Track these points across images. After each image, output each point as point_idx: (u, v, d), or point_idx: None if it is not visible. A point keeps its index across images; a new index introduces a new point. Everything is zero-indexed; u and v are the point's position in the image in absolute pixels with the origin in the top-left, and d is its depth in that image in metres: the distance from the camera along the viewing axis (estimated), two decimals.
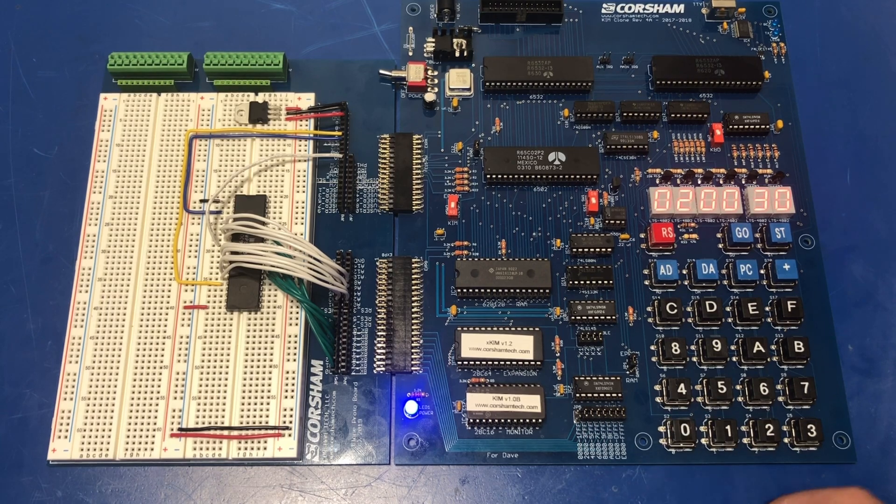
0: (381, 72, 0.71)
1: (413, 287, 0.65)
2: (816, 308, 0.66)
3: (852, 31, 0.77)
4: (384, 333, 0.64)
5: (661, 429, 0.62)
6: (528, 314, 0.65)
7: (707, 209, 0.67)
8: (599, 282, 0.65)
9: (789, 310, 0.64)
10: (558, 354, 0.64)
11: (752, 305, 0.64)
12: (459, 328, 0.63)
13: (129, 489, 0.61)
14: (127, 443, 0.60)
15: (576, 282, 0.65)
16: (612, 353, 0.64)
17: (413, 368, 0.63)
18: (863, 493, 0.57)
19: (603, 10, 0.76)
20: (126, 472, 0.61)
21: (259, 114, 0.68)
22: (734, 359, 0.64)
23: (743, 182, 0.69)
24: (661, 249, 0.67)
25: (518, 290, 0.64)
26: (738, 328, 0.65)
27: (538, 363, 0.63)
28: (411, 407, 0.62)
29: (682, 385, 0.62)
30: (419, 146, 0.69)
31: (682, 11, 0.76)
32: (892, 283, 0.68)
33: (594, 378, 0.62)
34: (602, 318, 0.64)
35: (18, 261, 0.67)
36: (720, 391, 0.62)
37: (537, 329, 0.63)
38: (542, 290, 0.64)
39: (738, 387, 0.63)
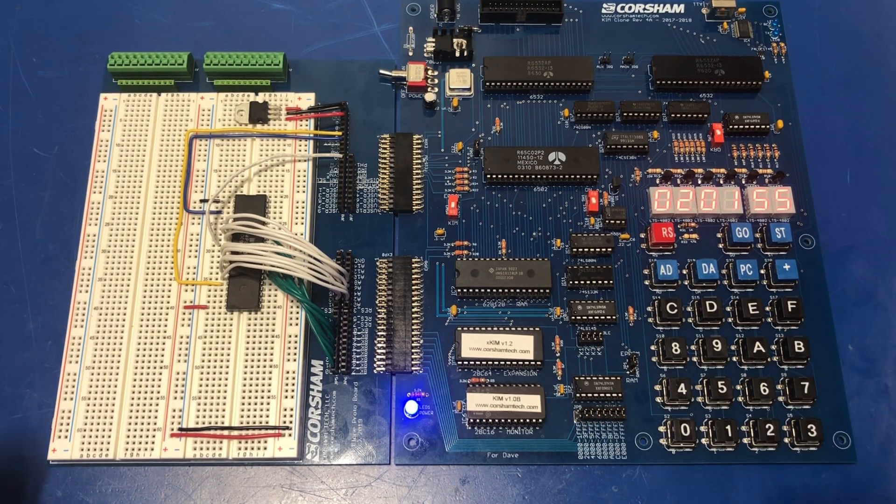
0: (381, 72, 0.71)
1: (413, 287, 0.65)
2: (816, 308, 0.66)
3: (852, 31, 0.77)
4: (384, 333, 0.63)
5: (662, 429, 0.62)
6: (528, 314, 0.65)
7: (707, 209, 0.67)
8: (599, 282, 0.65)
9: (789, 310, 0.64)
10: (558, 354, 0.64)
11: (752, 305, 0.64)
12: (459, 328, 0.63)
13: (129, 489, 0.61)
14: (127, 443, 0.60)
15: (576, 282, 0.65)
16: (612, 353, 0.64)
17: (413, 368, 0.63)
18: None
19: (603, 10, 0.75)
20: (126, 472, 0.61)
21: (259, 114, 0.68)
22: (734, 359, 0.64)
23: (743, 182, 0.69)
24: (662, 249, 0.67)
25: (518, 290, 0.64)
26: (739, 328, 0.65)
27: (538, 363, 0.63)
28: (411, 407, 0.62)
29: (682, 385, 0.62)
30: (419, 146, 0.69)
31: (682, 11, 0.75)
32: (892, 283, 0.68)
33: (594, 378, 0.62)
34: (602, 318, 0.64)
35: (18, 261, 0.67)
36: (720, 391, 0.62)
37: (537, 329, 0.63)
38: (542, 290, 0.64)
39: (739, 387, 0.63)
